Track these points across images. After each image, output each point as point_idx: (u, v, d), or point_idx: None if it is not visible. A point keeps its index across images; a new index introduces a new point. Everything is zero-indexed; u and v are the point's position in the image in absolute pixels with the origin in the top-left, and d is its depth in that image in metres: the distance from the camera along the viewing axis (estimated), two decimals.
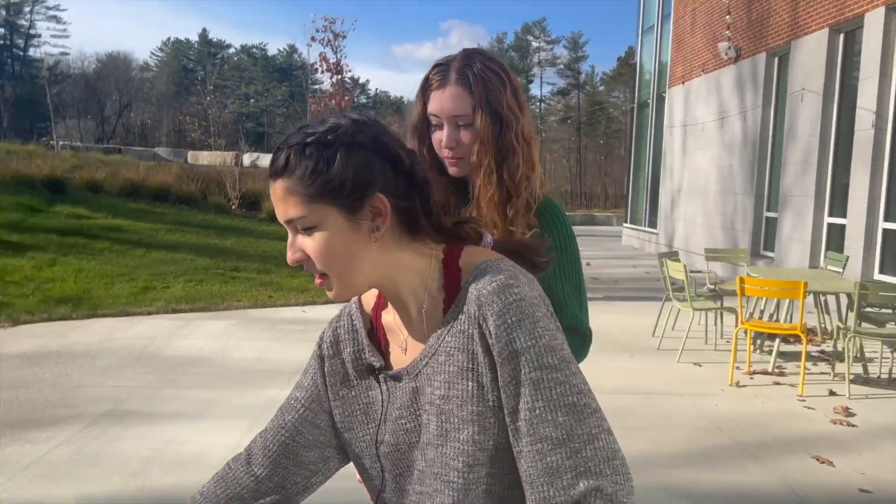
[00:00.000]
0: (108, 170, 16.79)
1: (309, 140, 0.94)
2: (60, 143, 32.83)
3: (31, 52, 64.71)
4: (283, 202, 0.95)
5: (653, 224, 16.47)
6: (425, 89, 1.45)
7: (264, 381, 5.21)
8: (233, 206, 16.11)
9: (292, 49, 72.86)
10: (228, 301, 8.36)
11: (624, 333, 6.93)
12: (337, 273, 0.97)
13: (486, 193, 1.43)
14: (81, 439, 4.05)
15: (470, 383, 0.96)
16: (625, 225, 19.16)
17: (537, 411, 0.91)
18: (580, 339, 1.51)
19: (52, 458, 3.78)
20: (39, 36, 68.28)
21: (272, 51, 78.12)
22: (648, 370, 5.75)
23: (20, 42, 64.38)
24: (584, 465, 0.90)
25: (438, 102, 1.42)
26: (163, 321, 7.35)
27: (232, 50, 76.92)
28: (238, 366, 5.69)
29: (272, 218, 14.81)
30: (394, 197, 0.97)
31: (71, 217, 12.50)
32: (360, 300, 1.15)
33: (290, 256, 0.97)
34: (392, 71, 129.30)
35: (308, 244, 0.96)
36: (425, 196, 1.01)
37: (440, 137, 1.44)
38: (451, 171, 1.48)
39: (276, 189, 0.95)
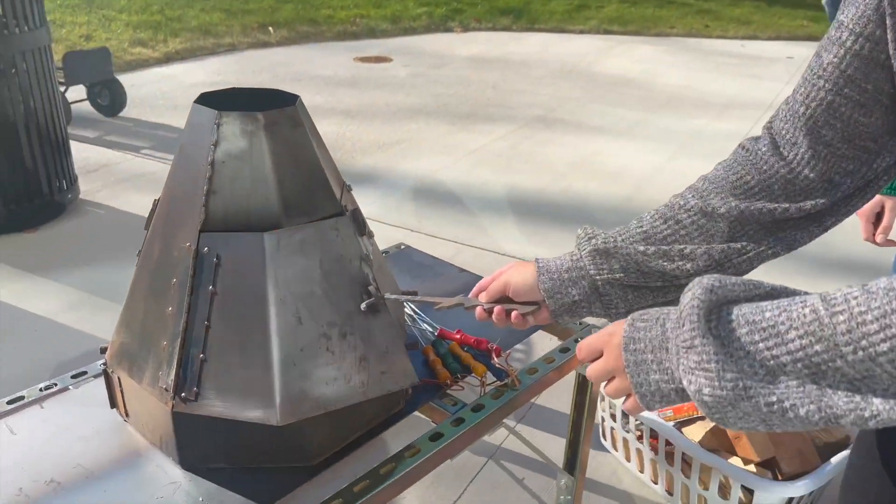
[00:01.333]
0: None
1: None
2: None
3: None
4: None
5: None
6: None
7: (693, 111, 4.87)
8: None
9: None
10: (661, 27, 7.91)
11: None
12: None
13: None
14: (515, 137, 4.33)
15: None
16: None
17: None
18: None
19: (491, 149, 4.12)
20: None
21: None
22: None
23: None
24: None
25: None
26: (594, 40, 7.28)
27: None
28: (665, 91, 5.41)
29: None
30: None
31: None
32: None
33: None
34: None
35: None
36: None
37: None
38: None
39: None
